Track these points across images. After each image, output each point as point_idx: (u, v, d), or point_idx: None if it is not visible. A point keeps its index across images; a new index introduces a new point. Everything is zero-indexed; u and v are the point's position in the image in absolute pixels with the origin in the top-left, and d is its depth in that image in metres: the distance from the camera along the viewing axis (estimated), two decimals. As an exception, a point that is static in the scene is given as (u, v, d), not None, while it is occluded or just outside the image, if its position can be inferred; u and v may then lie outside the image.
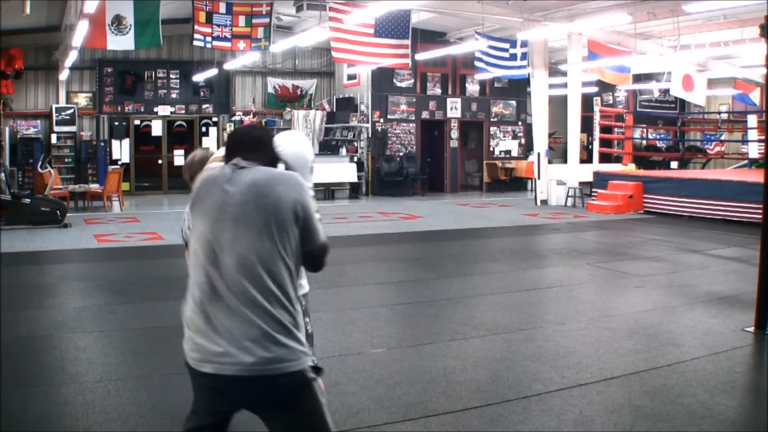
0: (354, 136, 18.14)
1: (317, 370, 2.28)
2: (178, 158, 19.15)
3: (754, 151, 17.38)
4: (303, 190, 2.31)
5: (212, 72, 18.22)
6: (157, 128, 18.96)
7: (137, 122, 18.80)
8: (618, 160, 17.58)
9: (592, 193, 15.24)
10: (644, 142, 21.37)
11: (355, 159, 17.65)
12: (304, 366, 2.23)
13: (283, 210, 2.24)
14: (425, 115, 18.98)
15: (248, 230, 2.21)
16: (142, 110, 18.69)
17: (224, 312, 2.18)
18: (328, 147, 18.15)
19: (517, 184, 19.61)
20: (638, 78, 18.79)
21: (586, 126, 18.51)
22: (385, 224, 12.23)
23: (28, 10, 11.09)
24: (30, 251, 9.23)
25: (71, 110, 17.60)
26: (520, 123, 20.23)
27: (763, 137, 15.60)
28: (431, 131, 19.63)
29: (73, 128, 17.58)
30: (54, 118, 17.38)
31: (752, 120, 17.36)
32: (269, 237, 2.22)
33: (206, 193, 2.34)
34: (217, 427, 2.39)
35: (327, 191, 17.26)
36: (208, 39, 12.81)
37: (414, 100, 18.73)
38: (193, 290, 2.28)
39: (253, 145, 2.40)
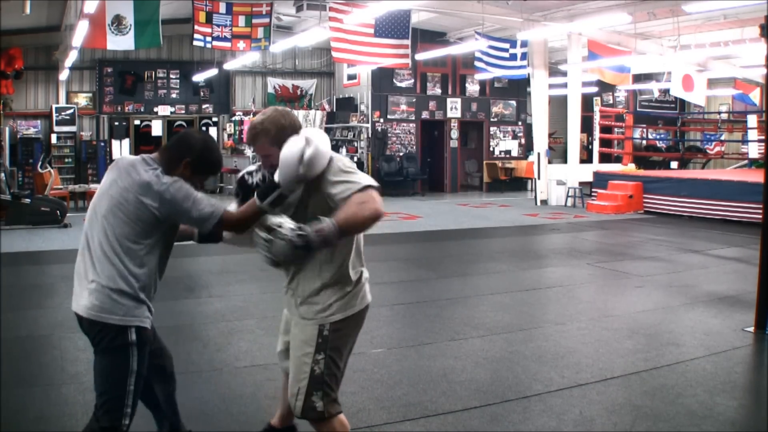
0: (354, 136, 18.15)
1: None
2: (178, 158, 19.18)
3: (754, 151, 17.39)
4: None
5: (212, 72, 18.23)
6: (157, 128, 18.98)
7: (137, 122, 18.81)
8: (618, 160, 17.58)
9: (592, 193, 15.24)
10: (644, 142, 21.37)
11: (355, 159, 17.63)
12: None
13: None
14: (425, 115, 18.98)
15: None
16: (142, 110, 18.70)
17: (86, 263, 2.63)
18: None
19: (517, 184, 19.60)
20: (638, 78, 18.80)
21: (586, 126, 18.51)
22: (385, 224, 12.22)
23: (28, 10, 11.10)
24: (30, 251, 9.23)
25: (71, 110, 17.61)
26: (520, 123, 20.23)
27: (763, 137, 15.60)
28: (431, 131, 19.63)
29: (73, 128, 17.59)
30: (54, 118, 17.39)
31: (752, 120, 17.37)
32: None
33: None
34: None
35: (327, 191, 17.23)
36: (208, 39, 12.81)
37: (414, 100, 18.74)
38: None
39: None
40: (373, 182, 2.48)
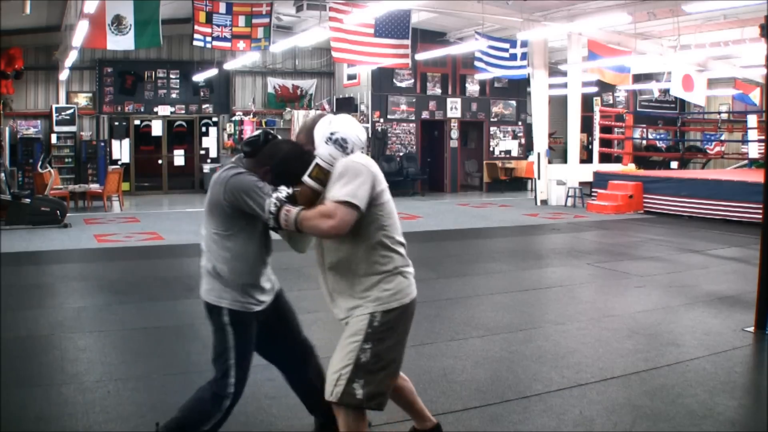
0: (354, 136, 18.12)
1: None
2: (178, 158, 19.20)
3: (754, 151, 17.38)
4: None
5: (212, 72, 18.22)
6: (157, 128, 18.97)
7: (137, 122, 18.80)
8: (618, 160, 17.58)
9: (592, 193, 15.24)
10: (644, 142, 21.36)
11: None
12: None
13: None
14: (425, 115, 18.98)
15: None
16: (142, 110, 18.69)
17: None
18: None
19: (517, 184, 19.60)
20: (638, 78, 18.79)
21: (586, 126, 18.50)
22: (385, 224, 12.19)
23: (28, 10, 11.09)
24: (30, 251, 9.22)
25: (71, 110, 17.60)
26: (520, 123, 20.23)
27: (763, 137, 15.60)
28: (431, 131, 19.63)
29: (73, 128, 17.58)
30: (54, 118, 17.38)
31: (752, 120, 17.36)
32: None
33: None
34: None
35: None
36: (208, 39, 12.81)
37: (414, 100, 18.74)
38: None
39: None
40: (351, 198, 2.60)
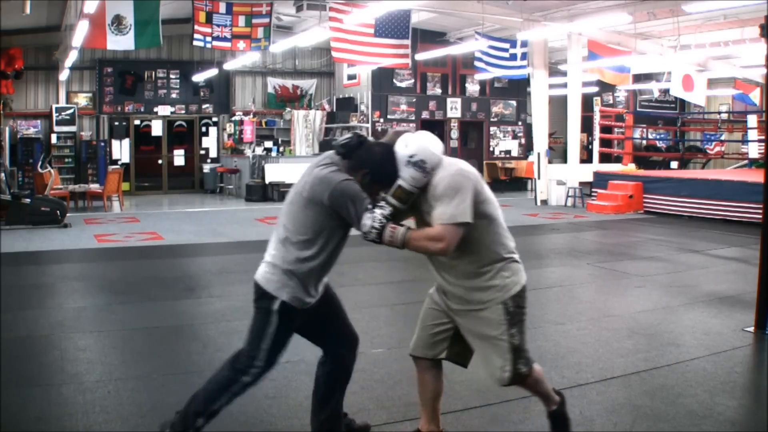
0: (354, 136, 18.11)
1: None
2: (178, 158, 19.20)
3: (754, 151, 17.38)
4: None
5: (212, 72, 18.22)
6: (157, 128, 18.97)
7: (137, 122, 18.81)
8: (618, 160, 17.58)
9: (592, 193, 15.24)
10: (644, 142, 21.36)
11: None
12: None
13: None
14: (425, 115, 18.98)
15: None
16: (142, 110, 18.69)
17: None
18: (328, 147, 18.05)
19: (517, 184, 19.60)
20: (638, 78, 18.79)
21: (586, 126, 18.50)
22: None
23: (28, 10, 11.10)
24: (30, 251, 9.22)
25: (71, 110, 17.61)
26: (520, 123, 20.23)
27: (763, 137, 15.60)
28: (431, 131, 19.45)
29: (73, 128, 17.59)
30: (54, 118, 17.39)
31: (752, 120, 17.36)
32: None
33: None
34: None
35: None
36: (208, 39, 12.81)
37: (414, 100, 18.74)
38: None
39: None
40: (457, 219, 2.75)
